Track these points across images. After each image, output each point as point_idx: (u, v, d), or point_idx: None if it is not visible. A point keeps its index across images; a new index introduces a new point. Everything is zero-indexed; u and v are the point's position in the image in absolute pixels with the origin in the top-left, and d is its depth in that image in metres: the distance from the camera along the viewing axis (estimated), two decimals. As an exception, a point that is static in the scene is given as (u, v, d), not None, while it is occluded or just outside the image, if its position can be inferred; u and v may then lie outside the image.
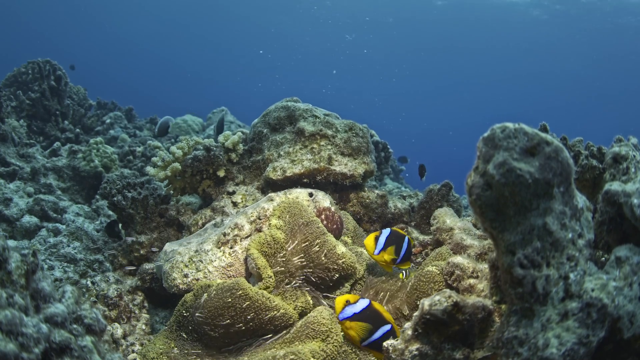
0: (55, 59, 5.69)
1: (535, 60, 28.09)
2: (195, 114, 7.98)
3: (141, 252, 2.78)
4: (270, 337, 1.81)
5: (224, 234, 2.24)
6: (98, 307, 2.36)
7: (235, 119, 7.96)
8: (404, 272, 1.83)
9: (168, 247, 2.41)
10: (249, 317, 1.77)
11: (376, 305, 1.59)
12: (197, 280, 2.13)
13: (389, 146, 5.04)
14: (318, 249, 2.07)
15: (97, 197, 4.08)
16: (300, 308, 1.94)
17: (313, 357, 1.57)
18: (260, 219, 2.28)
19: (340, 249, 2.10)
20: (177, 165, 2.98)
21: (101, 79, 40.98)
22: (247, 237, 2.24)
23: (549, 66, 28.47)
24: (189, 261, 2.20)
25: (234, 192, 2.96)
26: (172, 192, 3.08)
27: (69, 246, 3.20)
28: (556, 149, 0.92)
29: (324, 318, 1.70)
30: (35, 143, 4.82)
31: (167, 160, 3.04)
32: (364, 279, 2.22)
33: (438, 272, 1.85)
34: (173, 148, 3.07)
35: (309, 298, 1.99)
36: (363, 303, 1.56)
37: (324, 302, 2.05)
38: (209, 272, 2.14)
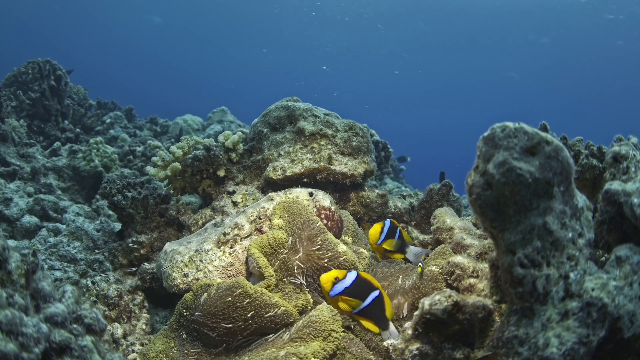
0: (55, 59, 5.69)
1: (536, 60, 28.09)
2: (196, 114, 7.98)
3: (141, 252, 2.78)
4: (271, 336, 1.81)
5: (224, 234, 2.24)
6: (98, 306, 2.36)
7: (236, 119, 7.96)
8: (421, 264, 1.89)
9: (168, 246, 2.41)
10: (248, 315, 1.77)
11: (363, 274, 1.65)
12: (198, 279, 2.13)
13: (389, 146, 5.04)
14: (318, 248, 2.07)
15: (97, 197, 4.08)
16: (300, 306, 1.94)
17: (314, 357, 1.57)
18: (260, 219, 2.28)
19: (341, 247, 2.10)
20: (177, 165, 2.98)
21: (101, 79, 41.02)
22: (247, 236, 2.24)
23: (549, 66, 28.46)
24: (189, 261, 2.20)
25: (234, 192, 2.96)
26: (172, 191, 3.08)
27: (69, 246, 3.20)
28: (556, 148, 0.92)
29: (325, 317, 1.70)
30: (35, 143, 4.83)
31: (167, 160, 3.04)
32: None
33: (438, 271, 1.85)
34: (173, 148, 3.07)
35: (309, 297, 1.99)
36: (352, 276, 1.62)
37: (325, 301, 2.05)
38: (209, 271, 2.14)
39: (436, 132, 49.81)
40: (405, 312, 1.90)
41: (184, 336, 1.91)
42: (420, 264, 1.91)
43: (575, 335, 0.98)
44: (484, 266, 1.65)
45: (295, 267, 2.05)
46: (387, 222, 2.12)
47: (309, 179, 2.85)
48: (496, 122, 0.94)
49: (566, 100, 34.89)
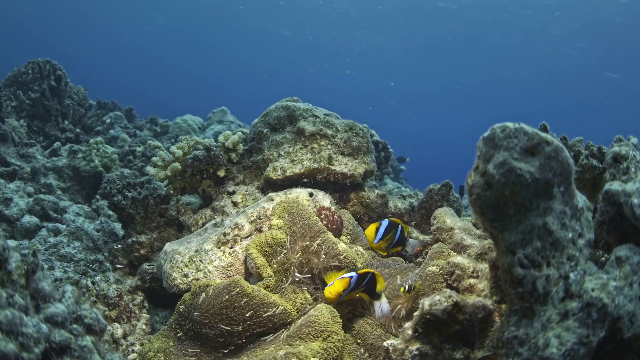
0: (56, 59, 5.69)
1: (535, 60, 28.11)
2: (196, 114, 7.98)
3: (141, 252, 2.78)
4: (270, 336, 1.81)
5: (224, 234, 2.24)
6: (98, 307, 2.36)
7: (236, 119, 7.96)
8: (405, 286, 1.89)
9: (168, 246, 2.41)
10: (247, 314, 1.77)
11: (363, 271, 1.94)
12: (197, 280, 2.13)
13: (389, 146, 5.04)
14: (318, 248, 2.07)
15: (97, 197, 4.08)
16: (299, 305, 1.94)
17: (314, 357, 1.57)
18: (260, 219, 2.29)
19: (341, 246, 2.11)
20: (177, 165, 2.98)
21: (101, 79, 41.01)
22: (247, 237, 2.24)
23: (549, 66, 28.48)
24: (189, 261, 2.20)
25: (234, 192, 2.96)
26: (172, 192, 3.08)
27: (69, 246, 3.20)
28: (556, 149, 0.92)
29: (325, 318, 1.70)
30: (36, 143, 4.83)
31: (167, 160, 3.04)
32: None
33: (439, 271, 1.85)
34: (173, 148, 3.07)
35: (309, 296, 1.99)
36: (384, 223, 2.14)
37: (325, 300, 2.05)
38: (209, 271, 2.14)
39: (436, 132, 49.84)
40: (404, 313, 1.90)
41: (183, 336, 1.91)
42: (405, 284, 1.91)
43: (575, 335, 0.97)
44: (484, 266, 1.65)
45: (295, 267, 2.05)
46: (385, 221, 2.16)
47: (309, 179, 2.85)
48: (496, 122, 0.94)
49: (566, 100, 34.91)
